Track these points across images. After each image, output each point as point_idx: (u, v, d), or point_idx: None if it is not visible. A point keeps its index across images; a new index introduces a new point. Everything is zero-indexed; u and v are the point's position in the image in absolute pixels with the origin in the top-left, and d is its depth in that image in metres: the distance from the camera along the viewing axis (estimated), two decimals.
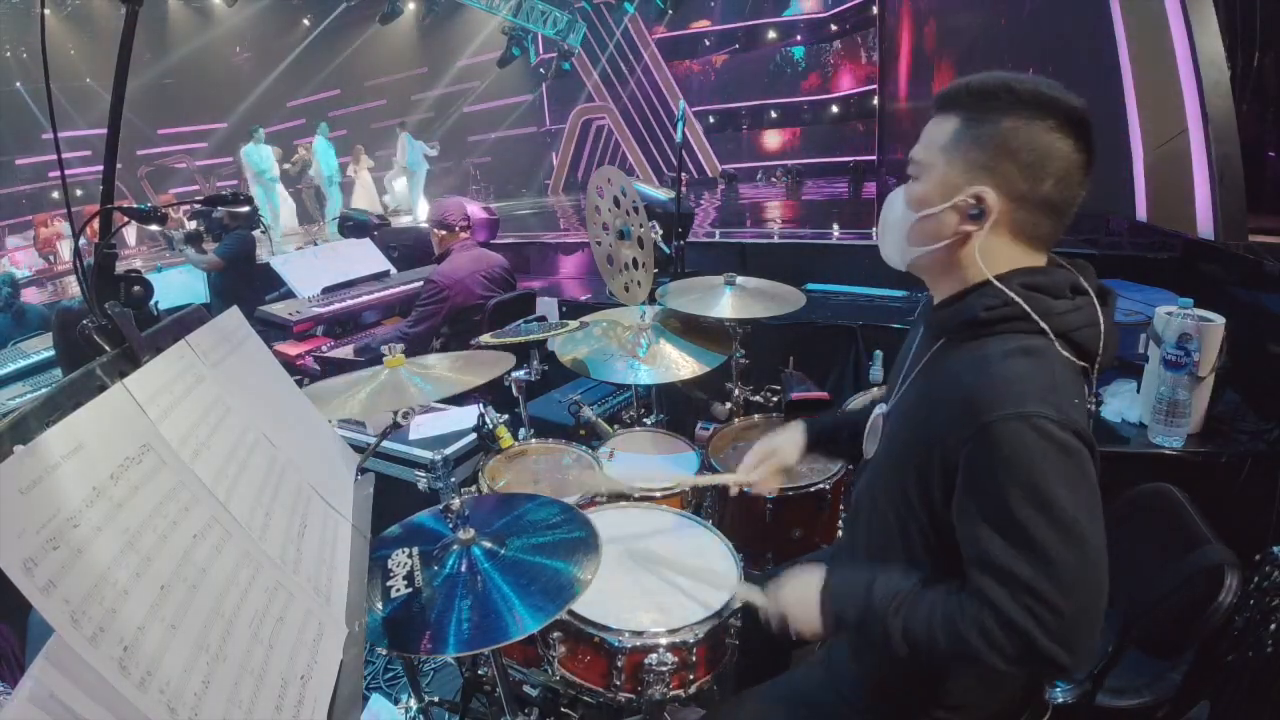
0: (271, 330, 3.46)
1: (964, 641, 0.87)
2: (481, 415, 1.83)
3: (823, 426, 1.40)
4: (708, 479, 1.60)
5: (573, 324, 1.94)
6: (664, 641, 1.17)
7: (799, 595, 1.05)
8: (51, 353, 3.07)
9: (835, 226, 5.39)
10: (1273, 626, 1.20)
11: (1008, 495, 0.84)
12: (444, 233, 3.07)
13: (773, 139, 10.35)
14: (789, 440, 1.38)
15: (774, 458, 1.37)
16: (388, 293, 3.87)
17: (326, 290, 3.69)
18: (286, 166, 9.92)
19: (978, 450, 0.86)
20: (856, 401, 1.96)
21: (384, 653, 1.71)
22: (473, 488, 1.67)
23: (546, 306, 3.65)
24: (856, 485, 1.19)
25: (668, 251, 2.55)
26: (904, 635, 0.92)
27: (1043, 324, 0.91)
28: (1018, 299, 0.91)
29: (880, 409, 1.15)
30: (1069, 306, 0.93)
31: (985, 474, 0.86)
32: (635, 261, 2.21)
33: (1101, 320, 0.95)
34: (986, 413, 0.85)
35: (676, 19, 10.27)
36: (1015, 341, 0.91)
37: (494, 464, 1.76)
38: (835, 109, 9.70)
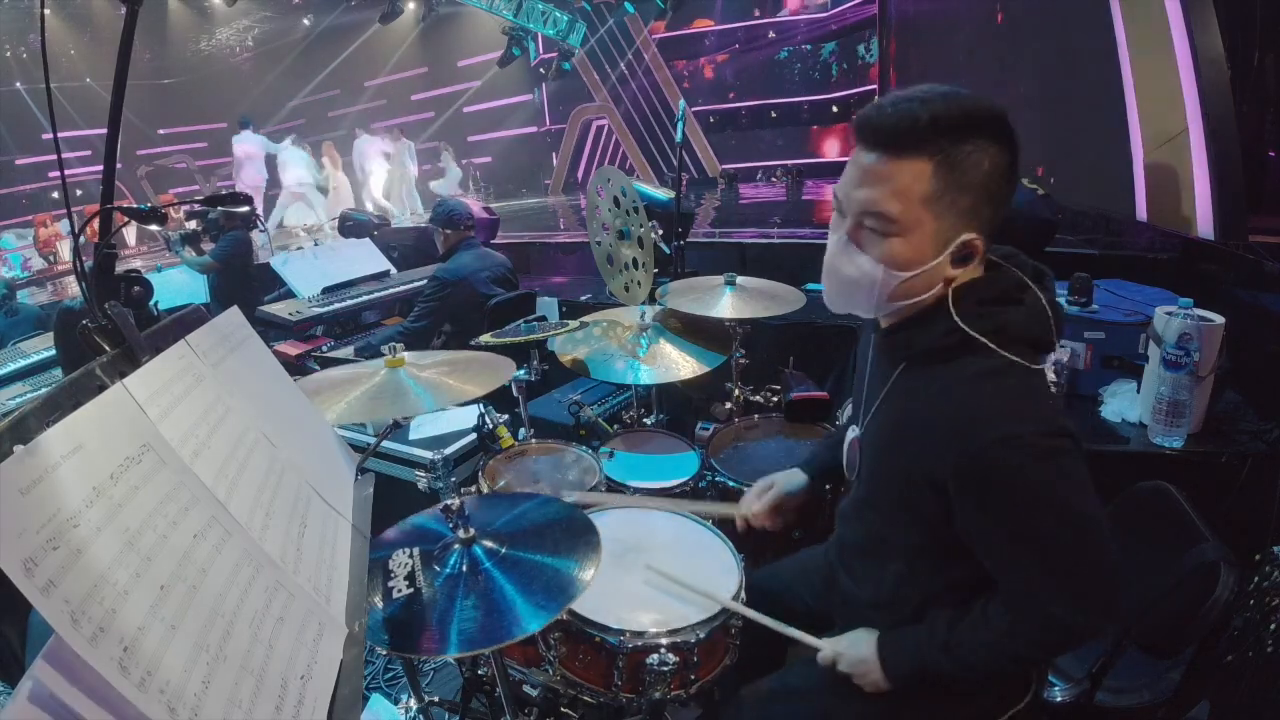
0: (271, 330, 3.46)
1: (1007, 652, 0.96)
2: (481, 415, 1.83)
3: (822, 467, 1.42)
4: (711, 508, 1.55)
5: (573, 324, 1.94)
6: (664, 641, 1.17)
7: (859, 662, 1.09)
8: (52, 353, 3.07)
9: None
10: (1273, 626, 1.20)
11: (1014, 511, 0.89)
12: (449, 231, 3.08)
13: (773, 139, 10.35)
14: (788, 479, 1.40)
15: (774, 490, 1.39)
16: (388, 293, 3.87)
17: (326, 290, 3.69)
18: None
19: (972, 476, 0.89)
20: (851, 408, 1.96)
21: (384, 653, 1.71)
22: (473, 488, 1.67)
23: (546, 306, 3.64)
24: (842, 502, 1.23)
25: (668, 251, 2.55)
26: (962, 672, 0.99)
27: (997, 347, 0.91)
28: (969, 330, 0.92)
29: (853, 432, 1.16)
30: (1022, 313, 0.94)
31: (987, 494, 0.89)
32: (635, 261, 2.21)
33: (1048, 307, 0.95)
34: (971, 440, 0.88)
35: (676, 19, 10.26)
36: (977, 364, 0.92)
37: (494, 464, 1.76)
38: (835, 109, 9.71)
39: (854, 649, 1.10)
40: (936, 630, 1.01)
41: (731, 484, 1.69)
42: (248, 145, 8.93)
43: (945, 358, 0.95)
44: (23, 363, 2.93)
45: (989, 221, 0.91)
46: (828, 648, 1.14)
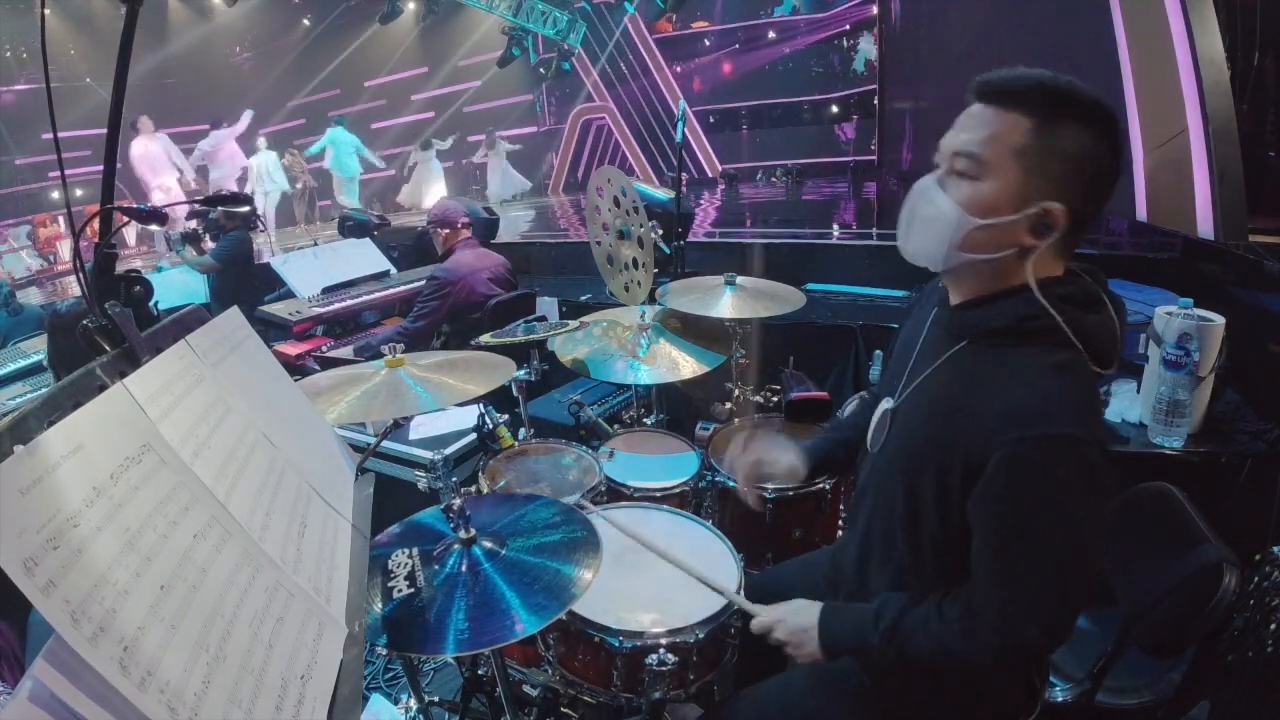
0: (271, 330, 3.46)
1: (956, 650, 0.93)
2: (481, 415, 1.83)
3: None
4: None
5: (573, 324, 1.94)
6: (664, 641, 1.17)
7: (797, 631, 1.08)
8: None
9: (835, 226, 5.39)
10: (1273, 626, 1.20)
11: (1030, 504, 0.87)
12: (446, 231, 3.08)
13: (773, 139, 10.35)
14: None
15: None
16: (388, 293, 3.87)
17: (326, 290, 3.69)
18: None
19: (1010, 459, 0.88)
20: (852, 406, 1.96)
21: (384, 653, 1.71)
22: (473, 488, 1.67)
23: (546, 306, 3.64)
24: (860, 477, 1.20)
25: (668, 251, 2.55)
26: (900, 659, 0.97)
27: (1077, 341, 0.91)
28: (1057, 316, 0.90)
29: (887, 403, 1.13)
30: (1096, 321, 0.94)
31: (1013, 481, 0.88)
32: (635, 261, 2.21)
33: (1116, 328, 0.96)
34: (1025, 427, 0.87)
35: (676, 19, 10.26)
36: (1049, 356, 0.91)
37: (494, 464, 1.76)
38: (835, 109, 9.71)
39: (794, 616, 1.09)
40: (884, 612, 1.00)
41: (731, 484, 1.69)
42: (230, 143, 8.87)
43: (1015, 341, 0.94)
44: (23, 363, 2.93)
45: (1075, 200, 0.90)
46: (767, 614, 1.13)
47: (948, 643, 0.94)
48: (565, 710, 1.44)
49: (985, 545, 0.92)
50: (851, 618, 1.04)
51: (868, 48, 9.26)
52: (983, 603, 0.92)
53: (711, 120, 10.62)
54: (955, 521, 0.95)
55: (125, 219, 0.93)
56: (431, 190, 10.14)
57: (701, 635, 1.19)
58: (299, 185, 9.83)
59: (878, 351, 2.69)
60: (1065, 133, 0.88)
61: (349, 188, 9.61)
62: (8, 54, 9.80)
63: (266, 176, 8.81)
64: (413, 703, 1.56)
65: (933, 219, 0.95)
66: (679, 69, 10.67)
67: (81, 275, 0.84)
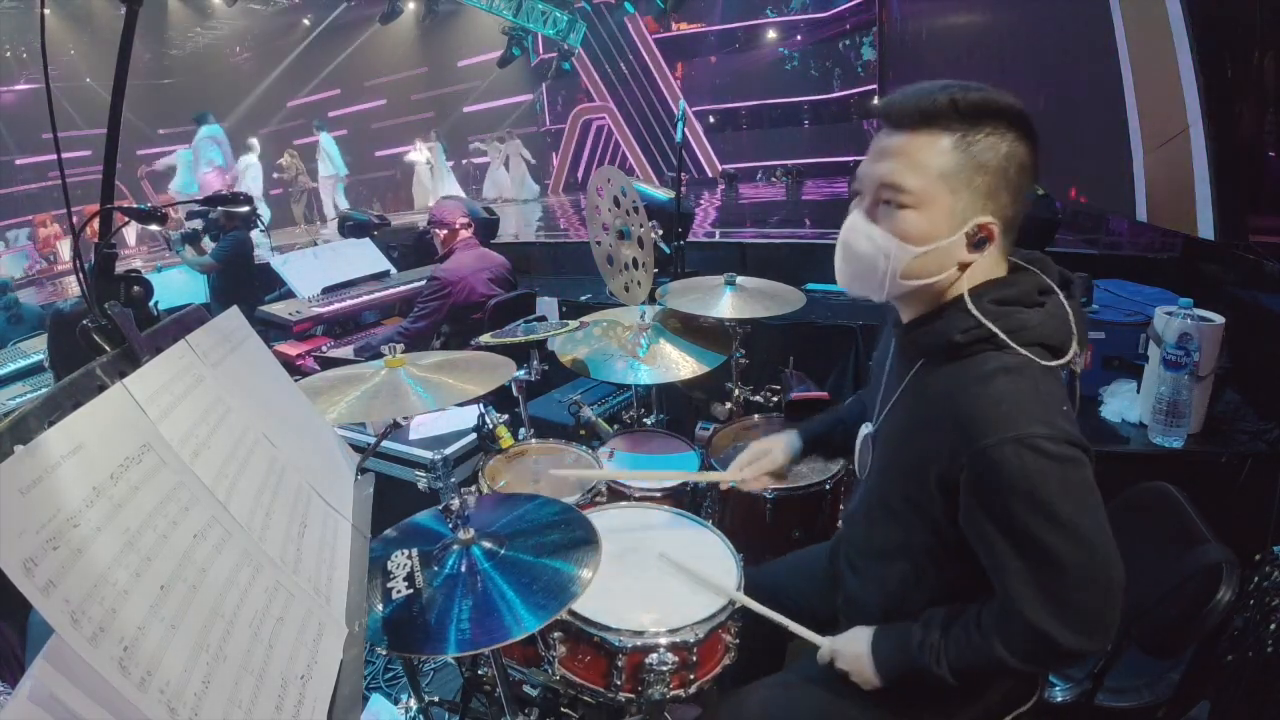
0: (271, 330, 3.46)
1: (995, 658, 0.94)
2: (481, 415, 1.83)
3: (816, 432, 1.41)
4: (700, 475, 1.61)
5: (573, 324, 1.94)
6: (664, 641, 1.17)
7: (854, 658, 1.09)
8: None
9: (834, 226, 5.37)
10: (1273, 626, 1.20)
11: (1014, 512, 0.87)
12: (445, 232, 3.08)
13: (773, 139, 10.35)
14: (783, 445, 1.40)
15: (766, 459, 1.39)
16: (388, 293, 3.87)
17: (326, 290, 3.69)
18: (275, 175, 9.93)
19: (977, 474, 0.88)
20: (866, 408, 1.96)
21: (384, 653, 1.69)
22: (473, 488, 1.67)
23: (546, 306, 3.64)
24: (851, 501, 1.22)
25: (668, 251, 2.55)
26: (951, 675, 0.98)
27: (1013, 344, 0.91)
28: (989, 324, 0.91)
29: (866, 429, 1.16)
30: (1040, 316, 0.94)
31: (990, 495, 0.88)
32: (635, 261, 2.21)
33: (1071, 314, 0.95)
34: (980, 438, 0.87)
35: (676, 19, 10.26)
36: (995, 361, 0.92)
37: (494, 464, 1.76)
38: (835, 109, 9.71)
39: (850, 645, 1.10)
40: (930, 632, 1.01)
41: (731, 484, 1.69)
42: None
43: (962, 354, 0.94)
44: (23, 363, 2.93)
45: (1005, 209, 0.91)
46: (826, 645, 1.14)
47: (989, 654, 0.94)
48: (565, 710, 1.44)
49: (989, 560, 0.94)
50: (902, 640, 1.04)
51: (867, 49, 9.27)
52: (1009, 614, 0.92)
53: (711, 120, 10.62)
54: (947, 535, 0.96)
55: (125, 219, 0.93)
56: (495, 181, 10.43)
57: (701, 635, 1.19)
58: (298, 186, 9.85)
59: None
60: (984, 144, 0.88)
61: (332, 189, 9.65)
62: (8, 54, 9.79)
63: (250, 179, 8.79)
64: (413, 703, 1.56)
65: (870, 254, 0.95)
66: (679, 69, 10.67)
67: (81, 275, 0.84)
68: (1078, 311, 0.97)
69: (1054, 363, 0.93)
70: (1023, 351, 0.91)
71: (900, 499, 1.03)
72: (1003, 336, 0.91)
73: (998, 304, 0.93)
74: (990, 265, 0.95)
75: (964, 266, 0.94)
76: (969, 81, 0.90)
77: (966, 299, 0.93)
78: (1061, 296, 0.96)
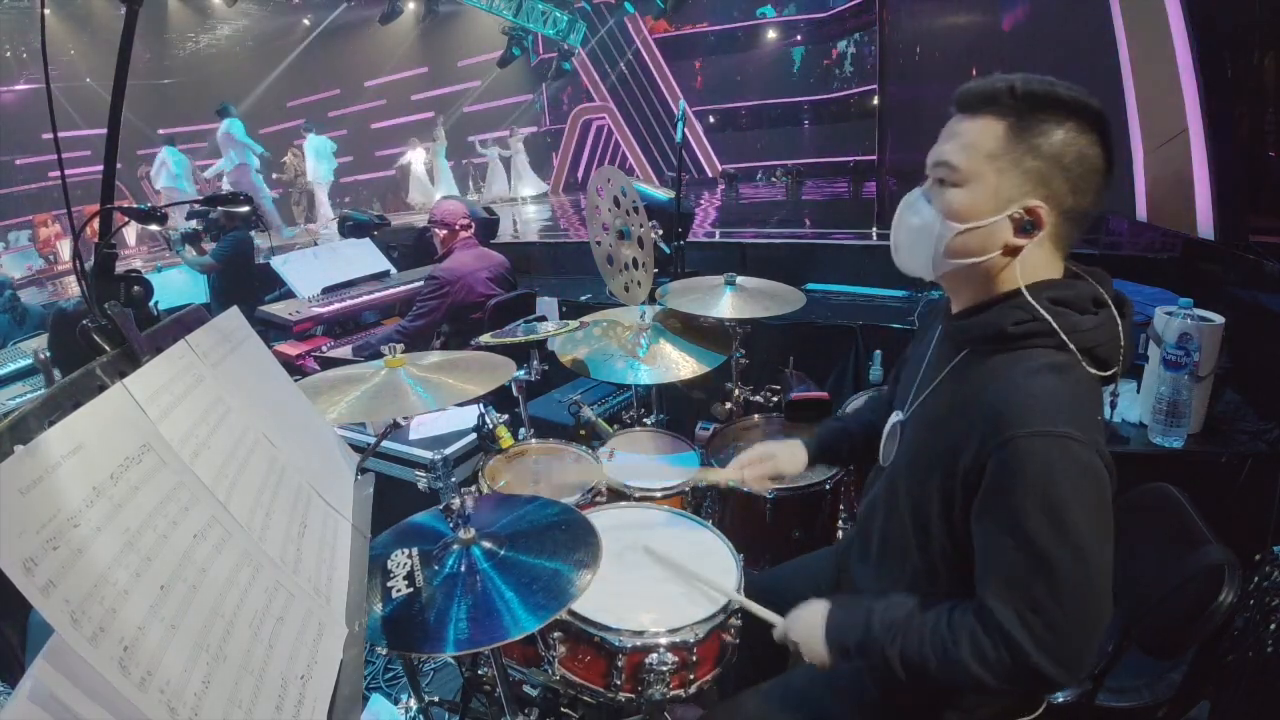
0: (271, 330, 3.46)
1: (954, 659, 0.90)
2: (481, 415, 1.83)
3: (823, 444, 1.40)
4: (703, 474, 1.60)
5: (573, 324, 1.94)
6: (664, 641, 1.17)
7: (807, 626, 1.07)
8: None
9: (835, 227, 5.38)
10: (1273, 626, 1.20)
11: (1026, 508, 0.85)
12: (445, 232, 3.08)
13: (773, 139, 10.36)
14: (790, 456, 1.38)
15: (770, 463, 1.38)
16: (388, 293, 3.87)
17: (326, 290, 3.69)
18: (275, 175, 9.94)
19: (1003, 462, 0.87)
20: (855, 404, 1.96)
21: (384, 653, 1.71)
22: (473, 488, 1.67)
23: (546, 306, 3.64)
24: (871, 490, 1.20)
25: (668, 251, 2.55)
26: (901, 661, 0.95)
27: (1069, 342, 0.91)
28: (1047, 316, 0.91)
29: (897, 416, 1.14)
30: (1093, 322, 0.93)
31: (1008, 485, 0.87)
32: (635, 261, 2.21)
33: (1121, 333, 0.95)
34: (1015, 427, 0.86)
35: (676, 19, 10.26)
36: (1043, 358, 0.91)
37: (494, 464, 1.76)
38: (835, 109, 9.71)
39: (805, 615, 1.08)
40: (891, 612, 0.98)
41: (731, 484, 1.69)
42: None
43: (1011, 346, 0.94)
44: (23, 363, 2.93)
45: (1061, 196, 0.91)
46: (782, 623, 1.12)
47: (950, 653, 0.90)
48: (565, 710, 1.44)
49: (983, 557, 0.91)
50: (858, 616, 1.02)
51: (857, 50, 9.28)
52: (987, 621, 0.88)
53: (711, 120, 10.62)
54: (961, 533, 0.95)
55: (125, 219, 0.93)
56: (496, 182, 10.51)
57: (701, 635, 1.19)
58: (298, 186, 9.86)
59: (878, 351, 2.69)
60: (1040, 130, 0.89)
61: (321, 192, 9.65)
62: (8, 54, 9.79)
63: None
64: (413, 703, 1.56)
65: (918, 229, 0.98)
66: (679, 69, 10.67)
67: (81, 275, 0.84)
68: (1128, 332, 0.95)
69: (1101, 373, 0.92)
70: (1075, 351, 0.91)
71: (925, 487, 0.99)
72: (1060, 334, 0.90)
73: (1053, 302, 0.92)
74: (1046, 264, 0.95)
75: (1011, 251, 0.93)
76: (1043, 76, 0.91)
77: (1024, 291, 0.92)
78: (1115, 312, 0.95)
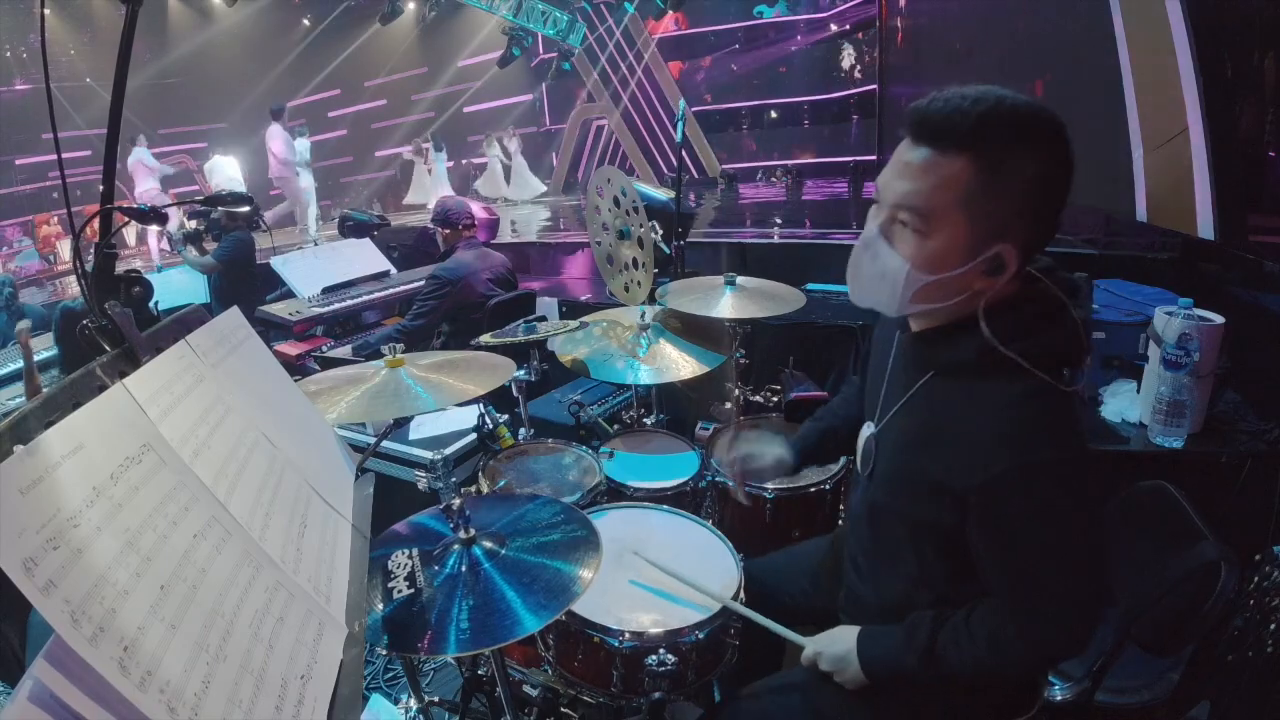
0: (271, 330, 3.47)
1: (986, 668, 0.97)
2: (481, 415, 1.83)
3: (810, 445, 1.40)
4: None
5: (573, 324, 1.94)
6: (664, 641, 1.17)
7: (839, 660, 1.09)
8: (52, 352, 3.07)
9: (835, 227, 5.39)
10: (1273, 626, 1.20)
11: (1025, 532, 0.91)
12: (448, 231, 3.08)
13: (773, 139, 10.35)
14: (773, 463, 1.39)
15: (753, 467, 1.41)
16: (388, 293, 3.87)
17: (326, 290, 3.69)
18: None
19: (1001, 490, 0.89)
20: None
21: (384, 653, 1.70)
22: (473, 488, 1.67)
23: (546, 306, 3.65)
24: (853, 498, 1.21)
25: (668, 251, 2.55)
26: (940, 679, 1.00)
27: (1036, 370, 0.90)
28: (1009, 353, 0.89)
29: (869, 429, 1.14)
30: (1057, 336, 0.92)
31: (1010, 510, 0.90)
32: (635, 261, 2.21)
33: (1080, 325, 0.94)
34: (1000, 462, 0.88)
35: (676, 19, 10.27)
36: (1018, 383, 0.90)
37: (494, 464, 1.76)
38: (835, 109, 9.71)
39: (834, 645, 1.09)
40: (917, 635, 1.01)
41: (731, 484, 1.69)
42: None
43: (977, 374, 0.94)
44: (23, 363, 2.93)
45: (1026, 236, 0.88)
46: (810, 647, 1.13)
47: (981, 659, 0.96)
48: (565, 710, 1.44)
49: (992, 569, 0.95)
50: (888, 642, 1.04)
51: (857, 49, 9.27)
52: (1004, 621, 0.95)
53: (712, 120, 10.62)
54: (956, 536, 0.97)
55: (125, 219, 0.93)
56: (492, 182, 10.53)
57: (701, 635, 1.19)
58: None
59: None
60: (1010, 168, 0.84)
61: (307, 194, 9.60)
62: (8, 54, 9.79)
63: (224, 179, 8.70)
64: (413, 703, 1.56)
65: (881, 275, 0.93)
66: (679, 68, 10.67)
67: (82, 276, 0.84)
68: (1085, 321, 0.96)
69: (1071, 387, 0.92)
70: (1040, 376, 0.90)
71: (908, 504, 1.02)
72: (1019, 362, 0.89)
73: (1015, 325, 0.91)
74: (1004, 283, 0.92)
75: (979, 292, 0.92)
76: (1004, 91, 0.84)
77: (981, 322, 0.90)
78: (1071, 307, 0.95)
